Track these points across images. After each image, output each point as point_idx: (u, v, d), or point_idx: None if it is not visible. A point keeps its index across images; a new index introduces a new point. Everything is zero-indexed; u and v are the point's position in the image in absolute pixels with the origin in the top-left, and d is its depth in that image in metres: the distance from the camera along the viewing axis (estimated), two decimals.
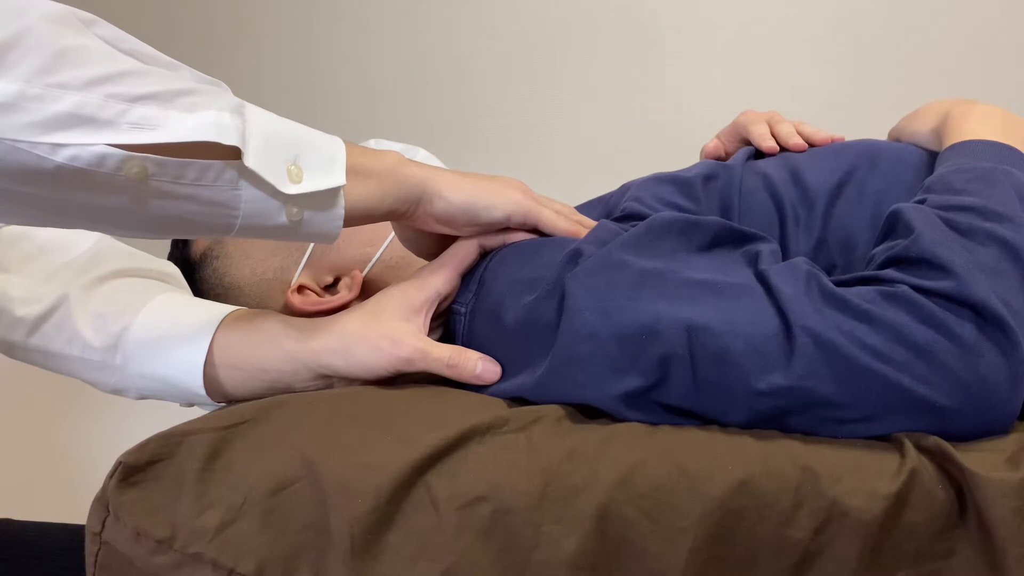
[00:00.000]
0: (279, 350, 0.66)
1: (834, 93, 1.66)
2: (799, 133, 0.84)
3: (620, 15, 1.78)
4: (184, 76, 0.57)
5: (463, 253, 0.70)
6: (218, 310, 0.70)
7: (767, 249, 0.61)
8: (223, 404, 0.70)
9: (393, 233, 0.81)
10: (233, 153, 0.53)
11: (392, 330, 0.65)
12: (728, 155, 0.92)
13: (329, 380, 0.67)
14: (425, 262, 0.76)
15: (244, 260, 0.82)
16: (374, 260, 0.81)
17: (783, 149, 0.85)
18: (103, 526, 0.55)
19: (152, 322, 0.69)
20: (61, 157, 0.48)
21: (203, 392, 0.67)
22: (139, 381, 0.70)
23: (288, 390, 0.67)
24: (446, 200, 0.66)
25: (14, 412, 1.66)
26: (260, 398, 0.67)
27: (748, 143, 0.89)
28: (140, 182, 0.51)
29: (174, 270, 0.81)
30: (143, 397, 0.72)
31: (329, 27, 1.98)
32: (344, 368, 0.65)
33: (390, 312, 0.66)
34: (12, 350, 0.73)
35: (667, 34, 1.76)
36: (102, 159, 0.49)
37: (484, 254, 0.72)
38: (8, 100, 0.47)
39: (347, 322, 0.66)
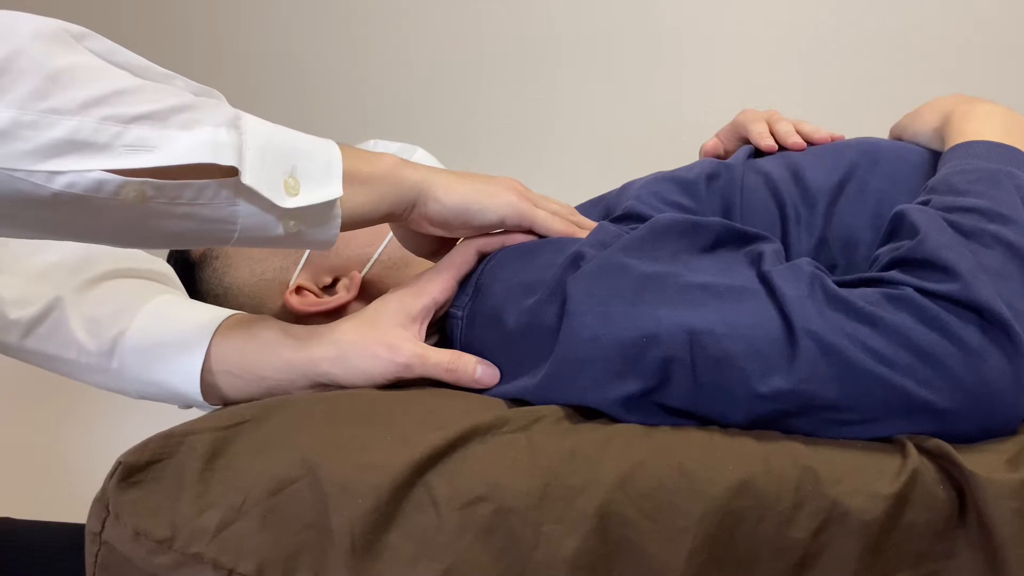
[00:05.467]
0: (276, 359, 0.66)
1: (834, 92, 1.66)
2: (798, 132, 0.84)
3: (619, 15, 1.78)
4: (178, 88, 0.57)
5: (460, 260, 0.70)
6: (214, 314, 0.70)
7: (770, 249, 0.61)
8: (221, 406, 0.70)
9: (391, 234, 0.81)
10: (230, 170, 0.53)
11: (389, 337, 0.65)
12: (727, 154, 0.92)
13: (326, 388, 0.67)
14: (423, 261, 0.76)
15: (243, 261, 0.82)
16: (372, 260, 0.81)
17: (782, 148, 0.84)
18: (103, 526, 0.55)
19: (148, 327, 0.69)
20: (58, 184, 0.48)
21: (200, 398, 0.68)
22: (136, 385, 0.70)
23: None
24: (440, 203, 0.66)
25: (14, 412, 1.66)
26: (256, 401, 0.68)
27: (747, 142, 0.88)
28: (138, 205, 0.51)
29: (167, 269, 0.81)
30: (142, 398, 0.72)
31: (325, 27, 1.98)
32: (342, 376, 0.65)
33: (387, 319, 0.66)
34: (7, 350, 0.73)
35: (666, 34, 1.76)
36: (100, 185, 0.49)
37: (481, 257, 0.72)
38: (3, 128, 0.46)
39: (344, 331, 0.66)
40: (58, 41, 0.50)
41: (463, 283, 0.71)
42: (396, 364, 0.65)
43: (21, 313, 0.70)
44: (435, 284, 0.69)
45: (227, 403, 0.70)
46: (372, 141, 1.00)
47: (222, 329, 0.68)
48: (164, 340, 0.68)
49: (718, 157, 0.92)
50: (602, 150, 1.82)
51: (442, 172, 0.68)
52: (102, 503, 0.56)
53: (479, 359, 0.65)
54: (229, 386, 0.67)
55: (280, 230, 0.57)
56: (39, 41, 0.49)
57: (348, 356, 0.65)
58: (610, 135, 1.82)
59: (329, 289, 0.81)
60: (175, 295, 0.74)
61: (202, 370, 0.67)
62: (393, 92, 1.96)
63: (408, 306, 0.67)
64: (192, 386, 0.67)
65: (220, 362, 0.67)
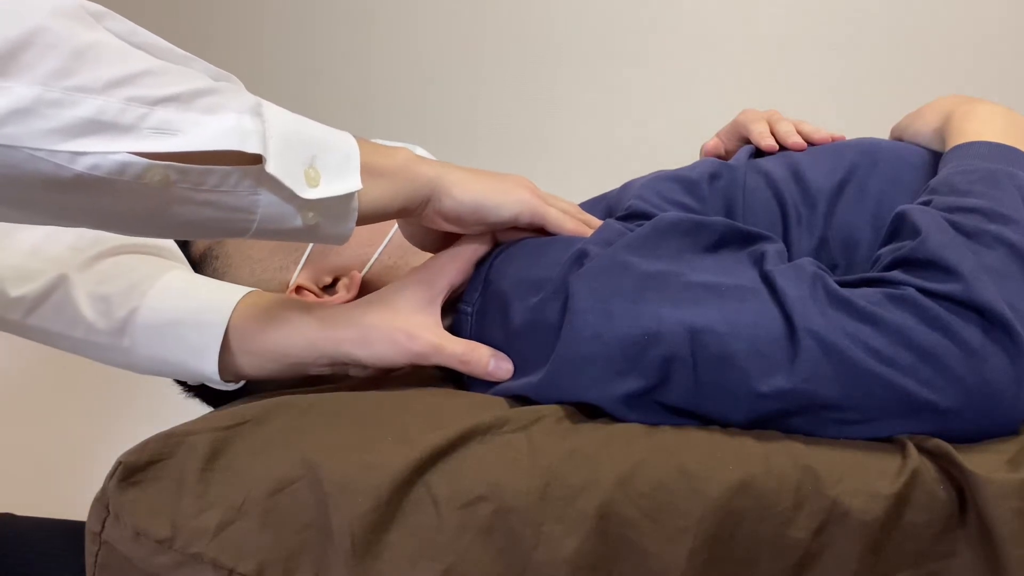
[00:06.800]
0: (300, 338, 0.66)
1: (834, 92, 1.66)
2: (799, 132, 0.84)
3: (620, 16, 1.78)
4: (199, 71, 0.56)
5: (478, 244, 0.70)
6: (230, 293, 0.69)
7: (773, 249, 0.61)
8: (230, 383, 0.71)
9: (391, 234, 0.81)
10: (253, 158, 0.52)
11: (408, 323, 0.65)
12: (728, 153, 0.92)
13: (346, 366, 0.68)
14: (424, 259, 0.76)
15: (243, 261, 0.82)
16: (372, 260, 0.81)
17: (783, 148, 0.84)
18: (103, 526, 0.55)
19: (161, 305, 0.68)
20: (81, 166, 0.47)
21: (216, 377, 0.67)
22: (147, 363, 0.69)
23: (303, 373, 0.68)
24: (455, 199, 0.66)
25: (15, 410, 1.66)
26: (273, 378, 0.69)
27: (747, 142, 0.88)
28: (161, 190, 0.50)
29: (171, 244, 0.80)
30: (150, 374, 0.71)
31: (329, 27, 1.98)
32: (364, 358, 0.65)
33: (407, 303, 0.66)
34: (5, 326, 0.72)
35: (667, 34, 1.76)
36: (124, 168, 0.48)
37: (496, 243, 0.72)
38: (26, 105, 0.45)
39: (364, 313, 0.66)
40: (78, 19, 0.49)
41: (472, 278, 0.71)
42: (412, 353, 0.65)
43: (24, 290, 0.69)
44: (453, 267, 0.69)
45: (241, 379, 0.70)
46: (372, 140, 1.00)
47: (240, 308, 0.68)
48: (180, 319, 0.68)
49: (719, 157, 0.92)
50: (602, 149, 1.82)
51: (455, 168, 0.67)
52: (102, 503, 0.56)
53: (493, 352, 0.65)
54: (248, 364, 0.68)
55: (298, 222, 0.56)
56: (60, 18, 0.47)
57: (369, 339, 0.65)
58: (610, 135, 1.82)
59: (329, 289, 0.81)
60: (184, 271, 0.74)
61: (220, 349, 0.66)
62: (395, 92, 1.96)
63: (426, 290, 0.67)
64: (209, 365, 0.67)
65: (239, 341, 0.67)
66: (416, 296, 0.67)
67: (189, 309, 0.68)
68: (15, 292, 0.69)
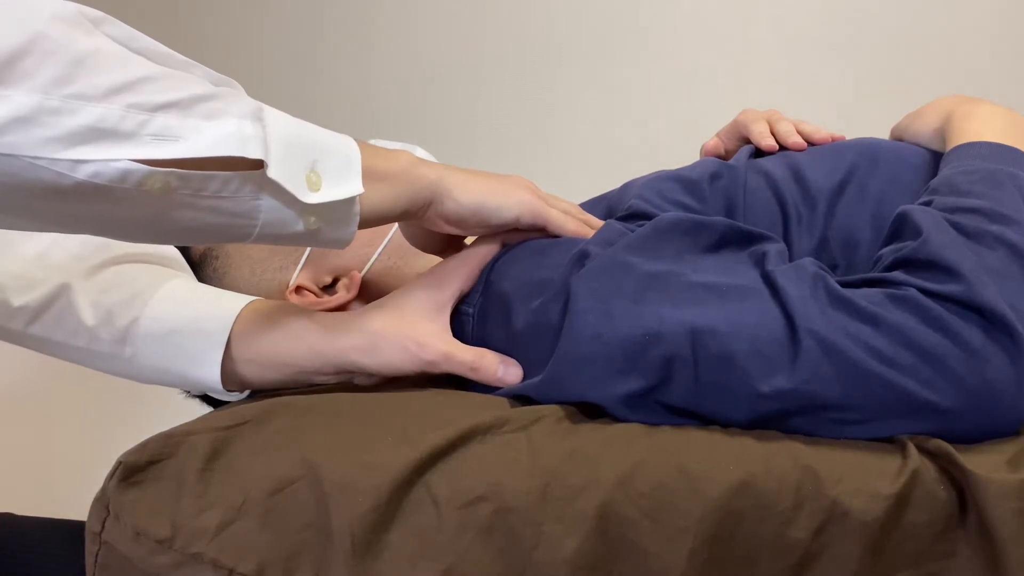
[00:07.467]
0: (303, 346, 0.66)
1: (835, 92, 1.66)
2: (799, 132, 0.84)
3: (620, 16, 1.78)
4: (199, 77, 0.56)
5: (486, 250, 0.70)
6: (232, 302, 0.69)
7: (774, 249, 0.61)
8: (234, 392, 0.70)
9: (391, 234, 0.81)
10: (254, 163, 0.52)
11: (417, 331, 0.65)
12: (728, 153, 0.92)
13: (351, 375, 0.67)
14: (424, 260, 0.76)
15: (243, 261, 0.82)
16: (372, 260, 0.81)
17: (783, 148, 0.84)
18: (103, 526, 0.55)
19: (162, 314, 0.68)
20: (82, 174, 0.47)
21: (220, 386, 0.67)
22: (149, 373, 0.69)
23: (307, 382, 0.68)
24: (457, 202, 0.66)
25: (15, 411, 1.66)
26: (276, 387, 0.69)
27: (748, 141, 0.88)
28: (162, 196, 0.50)
29: (174, 252, 0.80)
30: (153, 383, 0.71)
31: (329, 27, 1.98)
32: (370, 366, 0.65)
33: (415, 311, 0.66)
34: (8, 336, 0.72)
35: (667, 34, 1.76)
36: (125, 175, 0.48)
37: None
38: (26, 114, 0.45)
39: (372, 320, 0.66)
40: (78, 25, 0.49)
41: None
42: (423, 361, 0.65)
43: (26, 299, 0.69)
44: (459, 274, 0.69)
45: (244, 388, 0.70)
46: (372, 141, 1.00)
47: (242, 317, 0.68)
48: (181, 328, 0.68)
49: (719, 157, 0.92)
50: (602, 149, 1.82)
51: (456, 171, 0.67)
52: (102, 503, 0.56)
53: (502, 358, 0.65)
54: (251, 374, 0.67)
55: (300, 226, 0.56)
56: (59, 24, 0.47)
57: (377, 347, 0.65)
58: (610, 135, 1.82)
59: (329, 289, 0.81)
60: (185, 279, 0.74)
61: (223, 358, 0.66)
62: (395, 92, 1.96)
63: (435, 297, 0.67)
64: (212, 375, 0.67)
65: (242, 351, 0.67)
66: (425, 302, 0.67)
67: (191, 318, 0.68)
68: (18, 301, 0.69)
